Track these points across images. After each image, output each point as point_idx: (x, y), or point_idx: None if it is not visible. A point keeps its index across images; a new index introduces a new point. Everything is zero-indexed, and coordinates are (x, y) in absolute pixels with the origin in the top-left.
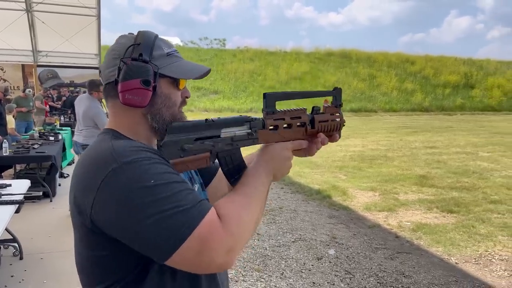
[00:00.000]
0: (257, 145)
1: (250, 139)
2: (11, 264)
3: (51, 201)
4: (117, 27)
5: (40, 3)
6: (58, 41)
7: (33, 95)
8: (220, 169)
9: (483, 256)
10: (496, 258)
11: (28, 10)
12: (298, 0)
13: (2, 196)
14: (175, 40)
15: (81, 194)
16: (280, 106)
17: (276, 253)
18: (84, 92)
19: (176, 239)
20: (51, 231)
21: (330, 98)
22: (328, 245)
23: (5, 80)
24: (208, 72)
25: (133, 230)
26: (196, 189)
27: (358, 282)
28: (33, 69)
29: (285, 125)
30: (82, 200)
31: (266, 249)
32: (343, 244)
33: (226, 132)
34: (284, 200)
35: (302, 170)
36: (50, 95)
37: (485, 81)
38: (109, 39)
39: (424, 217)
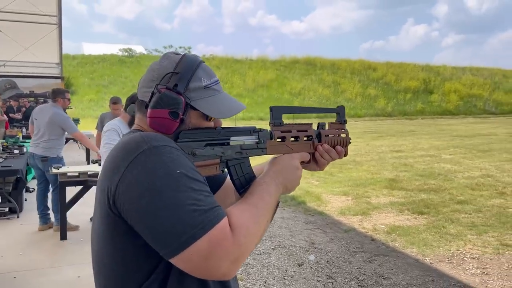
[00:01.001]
0: (265, 156)
1: (259, 149)
2: None
3: (18, 217)
4: (78, 36)
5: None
6: (17, 50)
7: None
8: (227, 180)
9: (455, 255)
10: (468, 256)
11: None
12: (261, 8)
13: None
14: (139, 49)
15: (109, 175)
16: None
17: (258, 261)
18: (44, 102)
19: (188, 237)
20: (22, 249)
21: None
22: (307, 251)
23: None
24: (242, 109)
25: (148, 216)
26: None
27: (340, 286)
28: None
29: (292, 138)
30: (109, 180)
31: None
32: (322, 249)
33: (235, 140)
34: None
35: None
36: (8, 106)
37: (442, 86)
38: (70, 48)
39: (396, 219)
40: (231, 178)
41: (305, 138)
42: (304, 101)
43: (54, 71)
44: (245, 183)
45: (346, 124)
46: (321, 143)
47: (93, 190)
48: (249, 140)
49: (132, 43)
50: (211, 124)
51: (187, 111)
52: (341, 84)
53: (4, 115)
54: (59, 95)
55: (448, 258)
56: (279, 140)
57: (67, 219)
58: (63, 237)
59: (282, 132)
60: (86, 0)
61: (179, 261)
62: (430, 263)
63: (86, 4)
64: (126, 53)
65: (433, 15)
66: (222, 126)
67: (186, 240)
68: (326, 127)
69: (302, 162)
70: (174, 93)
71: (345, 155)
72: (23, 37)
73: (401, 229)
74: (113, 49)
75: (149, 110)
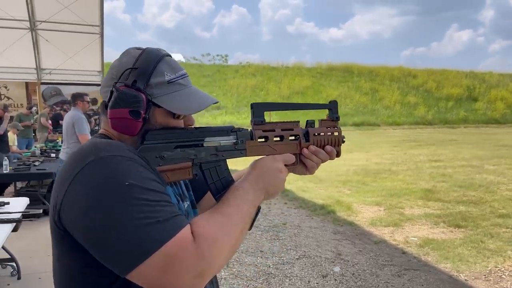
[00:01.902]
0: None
1: (236, 150)
2: (8, 284)
3: None
4: (121, 44)
5: (44, 21)
6: (61, 59)
7: (37, 112)
8: None
9: (493, 272)
10: (506, 274)
11: (32, 28)
12: (299, 16)
13: (0, 215)
14: (177, 57)
15: (57, 188)
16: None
17: (280, 270)
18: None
19: (140, 253)
20: (51, 250)
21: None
22: (333, 262)
23: (8, 98)
24: (212, 103)
25: (95, 234)
26: (185, 207)
27: None
28: (37, 87)
29: (276, 137)
30: (57, 194)
31: (269, 266)
32: (348, 261)
33: (210, 141)
34: (287, 216)
35: (305, 185)
36: (55, 112)
37: (488, 93)
38: (113, 56)
39: (431, 232)
40: (206, 183)
41: (291, 137)
42: (341, 108)
43: (96, 79)
44: (221, 188)
45: (339, 121)
46: (309, 143)
47: None
48: (226, 140)
49: (172, 51)
50: (181, 122)
51: (150, 109)
52: (379, 91)
53: (50, 121)
54: (78, 99)
55: (485, 275)
56: (261, 140)
57: None
58: None
59: (264, 131)
60: (129, 10)
61: (134, 278)
62: (465, 280)
63: (129, 14)
64: None
65: (478, 21)
66: (198, 125)
67: (139, 255)
68: (316, 124)
69: (287, 165)
70: (133, 90)
71: (338, 155)
72: (67, 46)
73: (435, 242)
74: None
75: (108, 110)
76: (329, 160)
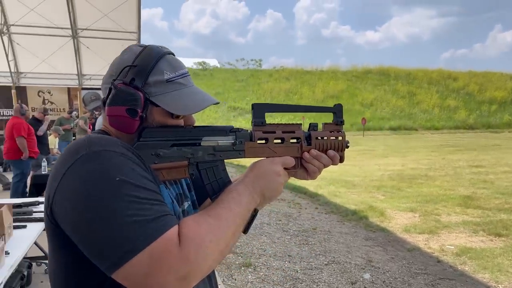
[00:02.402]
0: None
1: (235, 151)
2: (42, 282)
3: None
4: None
5: (85, 29)
6: (101, 65)
7: (77, 117)
8: None
9: None
10: None
11: (74, 36)
12: (334, 19)
13: (34, 214)
14: (212, 62)
15: (50, 182)
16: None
17: (308, 276)
18: None
19: (125, 251)
20: None
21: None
22: (363, 269)
23: (52, 103)
24: (211, 104)
25: (82, 229)
26: (186, 207)
27: None
28: (78, 92)
29: (276, 140)
30: (50, 188)
31: (297, 271)
32: (379, 268)
33: (207, 141)
34: (318, 221)
35: (337, 190)
36: (95, 117)
37: None
38: None
39: (469, 240)
40: (202, 183)
41: (293, 139)
42: (376, 112)
43: None
44: (217, 189)
45: (343, 125)
46: (310, 146)
47: None
48: (224, 141)
49: (207, 56)
50: (180, 122)
51: (148, 108)
52: (417, 95)
53: (91, 126)
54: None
55: None
56: (261, 141)
57: None
58: None
59: (264, 132)
60: (167, 17)
61: (118, 277)
62: None
63: (167, 21)
64: (200, 67)
65: None
66: (197, 125)
67: (124, 254)
68: (320, 128)
69: (287, 168)
70: (131, 88)
71: (341, 161)
72: (107, 53)
73: (473, 251)
74: (188, 62)
75: (106, 107)
76: (331, 166)
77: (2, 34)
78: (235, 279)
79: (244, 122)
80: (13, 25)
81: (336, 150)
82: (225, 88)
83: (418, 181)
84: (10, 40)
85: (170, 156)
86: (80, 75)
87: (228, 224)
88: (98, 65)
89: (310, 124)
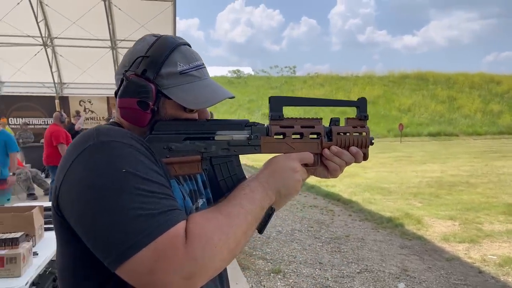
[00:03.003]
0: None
1: (250, 146)
2: None
3: None
4: None
5: (123, 40)
6: None
7: None
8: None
9: None
10: None
11: (113, 47)
12: (370, 25)
13: None
14: (247, 70)
15: (58, 173)
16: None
17: (339, 284)
18: None
19: (129, 246)
20: None
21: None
22: (397, 278)
23: (92, 111)
24: (224, 98)
25: (86, 220)
26: (200, 204)
27: None
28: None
29: (295, 135)
30: (57, 179)
31: (327, 279)
32: (415, 277)
33: (221, 135)
34: (351, 228)
35: (373, 196)
36: None
37: None
38: None
39: None
40: (216, 179)
41: (312, 135)
42: (414, 117)
43: None
44: (231, 185)
45: (367, 121)
46: (331, 142)
47: None
48: (239, 135)
49: (242, 65)
50: (194, 115)
51: (160, 100)
52: (458, 100)
53: None
54: None
55: None
56: (278, 136)
57: None
58: None
59: (281, 127)
60: (203, 27)
61: (122, 273)
62: None
63: (203, 31)
64: (235, 75)
65: None
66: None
67: (127, 249)
68: (342, 123)
69: (305, 165)
70: (142, 80)
71: (365, 158)
72: None
73: None
74: (223, 71)
75: (117, 99)
76: (354, 163)
77: (46, 47)
78: (264, 286)
79: None
80: (56, 37)
81: (360, 146)
82: (259, 96)
83: (458, 188)
84: (54, 52)
85: (183, 150)
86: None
87: (239, 221)
88: None
89: (331, 119)
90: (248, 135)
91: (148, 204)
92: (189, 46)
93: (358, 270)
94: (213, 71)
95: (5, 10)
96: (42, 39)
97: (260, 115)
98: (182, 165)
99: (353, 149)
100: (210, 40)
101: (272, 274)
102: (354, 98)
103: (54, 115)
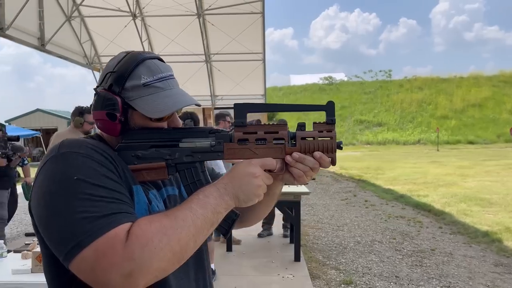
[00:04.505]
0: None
1: (213, 152)
2: None
3: None
4: (288, 69)
5: (216, 53)
6: (231, 86)
7: None
8: None
9: None
10: None
11: (207, 60)
12: (479, 21)
13: None
14: (339, 76)
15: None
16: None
17: None
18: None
19: (74, 245)
20: None
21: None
22: None
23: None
24: (183, 106)
25: (43, 222)
26: None
27: None
28: (211, 112)
29: (258, 140)
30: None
31: None
32: None
33: (186, 142)
34: (439, 241)
35: (469, 208)
36: None
37: None
38: (280, 80)
39: None
40: (182, 184)
41: (276, 140)
42: None
43: (260, 102)
44: (195, 190)
45: (335, 125)
46: (295, 148)
47: None
48: (202, 142)
49: (337, 71)
50: (163, 124)
51: (127, 112)
52: None
53: None
54: (220, 118)
55: None
56: (242, 142)
57: (232, 233)
58: (229, 249)
59: (244, 133)
60: (297, 36)
61: (73, 270)
62: None
63: (297, 39)
64: (327, 81)
65: None
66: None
67: (72, 248)
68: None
69: (271, 171)
70: (109, 94)
71: (333, 163)
72: (235, 74)
73: None
74: (315, 78)
75: (92, 112)
76: (323, 169)
77: None
78: None
79: (371, 136)
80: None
81: (325, 151)
82: (351, 101)
83: None
84: None
85: (149, 157)
86: (213, 96)
87: (185, 224)
88: (228, 86)
89: (298, 124)
90: (211, 142)
91: (95, 207)
92: (160, 59)
93: (439, 287)
94: (304, 79)
95: (114, 32)
96: None
97: (352, 121)
98: (149, 172)
99: (317, 154)
100: (304, 48)
101: (342, 285)
102: (458, 101)
103: None
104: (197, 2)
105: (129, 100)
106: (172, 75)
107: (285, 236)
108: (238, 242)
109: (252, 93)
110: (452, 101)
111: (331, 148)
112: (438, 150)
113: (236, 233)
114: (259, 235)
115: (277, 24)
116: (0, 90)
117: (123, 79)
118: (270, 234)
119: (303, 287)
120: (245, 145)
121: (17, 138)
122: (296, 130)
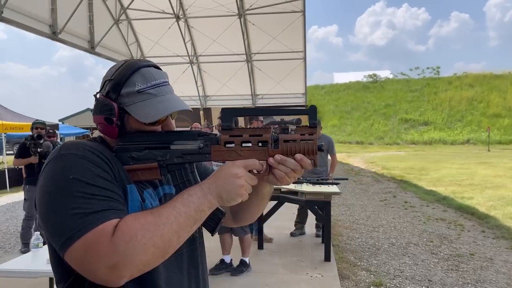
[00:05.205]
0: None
1: (201, 154)
2: None
3: None
4: (333, 66)
5: (257, 53)
6: (271, 85)
7: None
8: None
9: None
10: None
11: (248, 60)
12: None
13: None
14: (384, 73)
15: None
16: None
17: None
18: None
19: (67, 238)
20: None
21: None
22: None
23: None
24: (172, 111)
25: (42, 218)
26: None
27: None
28: None
29: (243, 143)
30: None
31: None
32: None
33: (177, 145)
34: (480, 246)
35: None
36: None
37: None
38: (324, 78)
39: None
40: (173, 184)
41: (260, 143)
42: None
43: (300, 100)
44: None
45: (317, 128)
46: (277, 150)
47: (286, 205)
48: (192, 144)
49: (383, 68)
50: (157, 128)
51: (123, 116)
52: None
53: None
54: (254, 118)
55: None
56: (229, 145)
57: (264, 231)
58: (260, 246)
59: (231, 136)
60: (342, 33)
61: (67, 260)
62: None
63: (342, 37)
64: (371, 79)
65: None
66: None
67: (66, 240)
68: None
69: (254, 172)
70: (106, 100)
71: (314, 165)
72: (276, 73)
73: None
74: (359, 76)
75: (92, 116)
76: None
77: (193, 64)
78: None
79: (417, 135)
80: (200, 55)
81: (306, 153)
82: (396, 100)
83: None
84: (199, 69)
85: (143, 158)
86: (253, 95)
87: (168, 221)
88: (268, 85)
89: (282, 127)
90: (199, 144)
91: (87, 204)
92: (156, 67)
93: None
94: (348, 77)
95: (159, 34)
96: (189, 58)
97: (397, 120)
98: (143, 172)
99: (298, 156)
100: (349, 45)
101: (372, 287)
102: (510, 98)
103: (202, 124)
104: (238, 2)
105: (124, 106)
106: (167, 82)
107: (317, 235)
108: (270, 240)
109: (293, 91)
110: (506, 99)
111: (312, 150)
112: (489, 150)
113: (268, 231)
114: (292, 234)
115: (321, 22)
116: (56, 91)
117: (119, 86)
118: (303, 233)
119: (331, 287)
120: (231, 147)
121: (54, 135)
122: (279, 133)
